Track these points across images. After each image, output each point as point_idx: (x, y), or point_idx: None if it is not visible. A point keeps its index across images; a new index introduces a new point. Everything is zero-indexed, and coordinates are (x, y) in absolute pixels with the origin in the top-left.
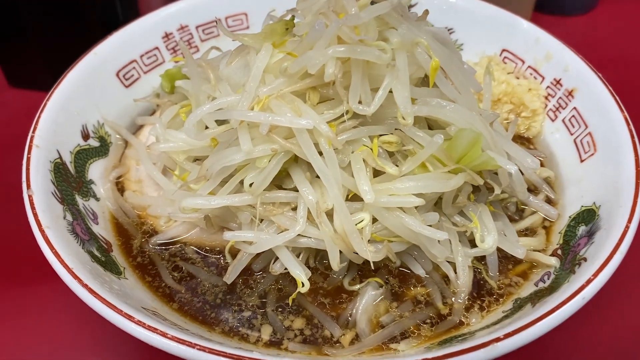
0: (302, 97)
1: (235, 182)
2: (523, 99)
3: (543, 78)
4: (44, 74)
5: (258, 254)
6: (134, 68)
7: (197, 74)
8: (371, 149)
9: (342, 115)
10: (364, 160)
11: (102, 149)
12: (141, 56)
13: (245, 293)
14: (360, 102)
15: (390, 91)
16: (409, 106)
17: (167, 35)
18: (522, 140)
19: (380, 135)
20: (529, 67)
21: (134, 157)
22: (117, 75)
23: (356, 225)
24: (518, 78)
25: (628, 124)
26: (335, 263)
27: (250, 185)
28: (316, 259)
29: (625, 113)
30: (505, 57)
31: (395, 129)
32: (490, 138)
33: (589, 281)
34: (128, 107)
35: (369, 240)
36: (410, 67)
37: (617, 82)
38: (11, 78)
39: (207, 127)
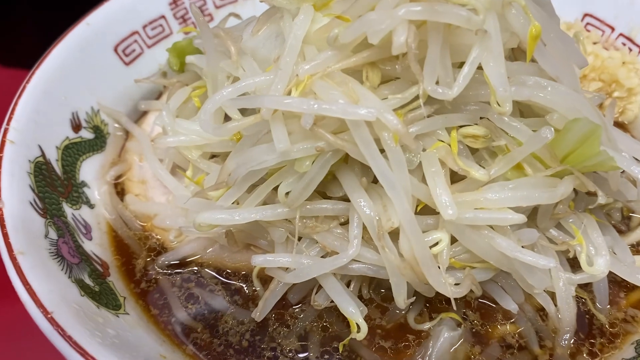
0: (356, 76)
1: (266, 190)
2: (616, 75)
3: None
4: (28, 48)
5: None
6: (135, 41)
7: (213, 47)
8: (449, 145)
9: (411, 101)
10: (440, 161)
11: (98, 142)
12: (144, 27)
13: (280, 333)
14: (437, 83)
15: (479, 67)
16: (508, 87)
17: (174, 1)
18: (615, 126)
19: (460, 126)
20: (621, 34)
21: (137, 151)
22: (115, 50)
23: (430, 248)
24: (607, 49)
25: None
26: (401, 299)
27: (287, 194)
28: (370, 286)
29: None
30: (588, 24)
31: (482, 118)
32: (604, 130)
33: None
34: (129, 89)
35: (446, 268)
36: (502, 34)
37: None
38: None
39: (226, 116)
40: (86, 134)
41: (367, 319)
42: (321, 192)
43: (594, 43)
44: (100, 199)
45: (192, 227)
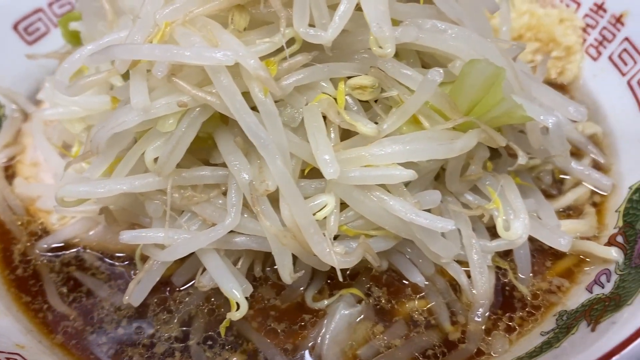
0: (225, 22)
1: (133, 157)
2: (553, 34)
3: (578, 5)
4: None
5: (181, 262)
6: (39, 19)
7: (91, 10)
8: (335, 99)
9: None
10: (323, 116)
11: None
12: (50, 4)
13: (161, 319)
14: (312, 26)
15: (360, 8)
16: (388, 26)
17: None
18: (555, 88)
19: (349, 77)
20: None
21: (33, 132)
22: (15, 28)
23: (315, 214)
24: (544, 7)
25: None
26: (286, 272)
27: (157, 160)
28: (265, 265)
29: None
30: None
31: (372, 68)
32: (514, 78)
33: None
34: (32, 70)
35: (336, 237)
36: None
37: None
38: None
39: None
40: None
41: (259, 299)
42: (204, 159)
43: (531, 2)
44: None
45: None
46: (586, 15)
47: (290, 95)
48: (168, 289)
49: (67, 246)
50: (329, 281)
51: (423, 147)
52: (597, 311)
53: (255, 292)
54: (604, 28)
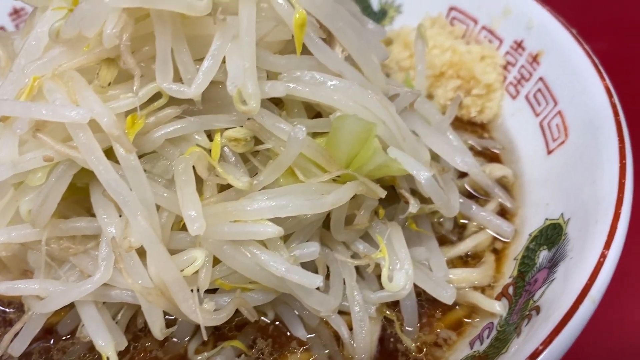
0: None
1: (10, 208)
2: (473, 71)
3: (501, 41)
4: None
5: (68, 309)
6: None
7: None
8: (209, 151)
9: (155, 101)
10: (194, 169)
11: None
12: None
13: None
14: (181, 81)
15: None
16: (251, 82)
17: (16, 12)
18: (474, 127)
19: (227, 128)
20: (483, 27)
21: None
22: None
23: (184, 270)
24: (469, 44)
25: (610, 96)
26: (156, 328)
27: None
28: None
29: (608, 81)
30: (453, 18)
31: (248, 120)
32: (396, 129)
33: (535, 355)
34: None
35: (213, 291)
36: (265, 23)
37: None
38: None
39: None
40: None
41: (142, 350)
42: (88, 209)
43: (456, 38)
44: None
45: None
46: (507, 52)
47: (163, 147)
48: (52, 338)
49: None
50: (216, 332)
51: (289, 202)
52: None
53: (139, 342)
54: (522, 66)
